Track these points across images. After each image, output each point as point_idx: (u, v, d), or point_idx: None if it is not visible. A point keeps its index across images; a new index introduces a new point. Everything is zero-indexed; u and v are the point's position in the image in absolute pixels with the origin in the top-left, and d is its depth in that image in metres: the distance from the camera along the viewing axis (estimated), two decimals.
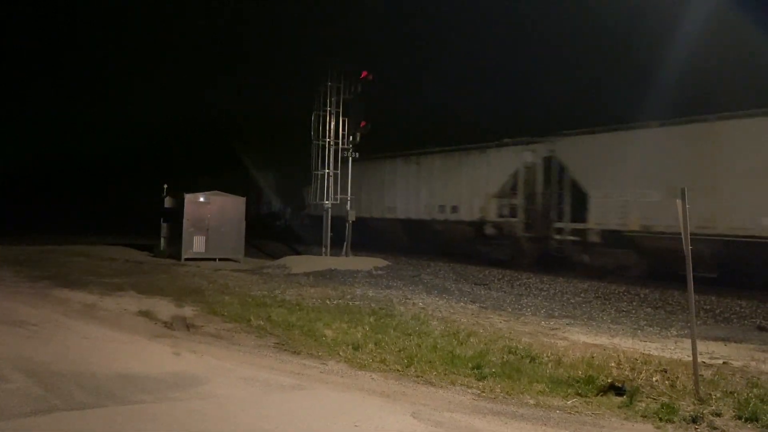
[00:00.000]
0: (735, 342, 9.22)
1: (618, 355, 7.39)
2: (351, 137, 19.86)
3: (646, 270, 16.08)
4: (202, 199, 18.84)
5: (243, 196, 19.74)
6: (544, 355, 7.36)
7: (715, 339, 9.33)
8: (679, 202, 6.30)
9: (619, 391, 6.01)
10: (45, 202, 35.18)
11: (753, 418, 5.32)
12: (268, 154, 30.88)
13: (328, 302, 11.15)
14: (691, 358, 6.29)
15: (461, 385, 6.31)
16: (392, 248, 22.50)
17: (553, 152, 18.37)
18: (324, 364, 7.03)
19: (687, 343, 7.38)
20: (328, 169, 19.66)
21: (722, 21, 19.53)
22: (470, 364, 6.87)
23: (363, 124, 19.67)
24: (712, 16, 19.61)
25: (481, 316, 10.77)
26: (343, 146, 19.85)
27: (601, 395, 5.97)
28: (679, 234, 6.33)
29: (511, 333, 8.95)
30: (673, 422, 5.28)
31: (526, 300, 13.10)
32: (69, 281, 12.84)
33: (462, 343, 7.88)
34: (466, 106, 28.09)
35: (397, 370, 6.78)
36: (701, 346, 7.44)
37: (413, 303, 11.79)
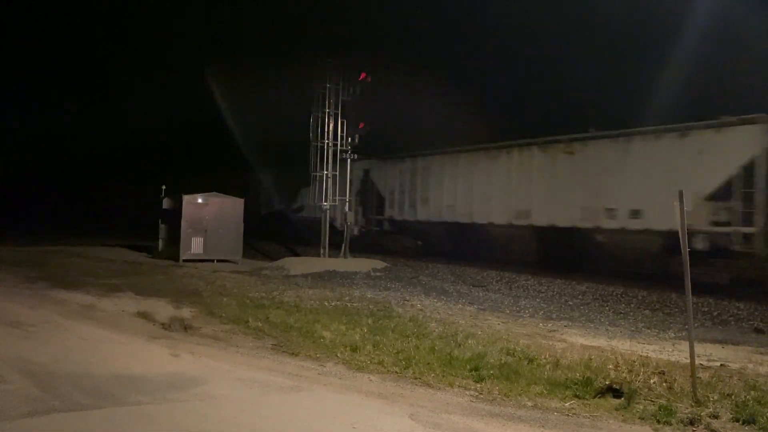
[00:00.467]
0: (732, 344, 9.24)
1: (616, 357, 7.40)
2: (349, 139, 19.89)
3: None
4: (200, 201, 18.84)
5: (241, 197, 19.75)
6: (542, 356, 7.37)
7: (713, 341, 9.35)
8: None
9: (616, 393, 6.02)
10: (43, 203, 35.13)
11: (750, 421, 5.34)
12: (268, 155, 30.87)
13: (326, 304, 11.15)
14: (688, 360, 6.30)
15: (459, 386, 6.31)
16: (522, 263, 18.73)
17: None
18: (322, 365, 7.03)
19: (684, 345, 7.38)
20: (327, 170, 19.68)
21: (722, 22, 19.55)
22: (468, 366, 6.88)
23: (361, 125, 19.70)
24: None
25: (480, 317, 10.78)
26: (341, 147, 19.88)
27: (599, 397, 5.97)
28: None
29: (509, 335, 8.95)
30: (671, 424, 5.29)
31: (524, 302, 13.11)
32: (67, 282, 12.81)
33: (460, 345, 7.88)
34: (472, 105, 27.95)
35: (395, 371, 6.78)
36: (699, 348, 7.45)
37: (411, 305, 11.79)
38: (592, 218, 17.07)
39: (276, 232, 27.90)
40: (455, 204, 21.32)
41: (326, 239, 19.57)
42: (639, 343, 9.07)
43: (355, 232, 24.22)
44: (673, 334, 9.91)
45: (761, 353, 8.51)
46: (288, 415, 5.41)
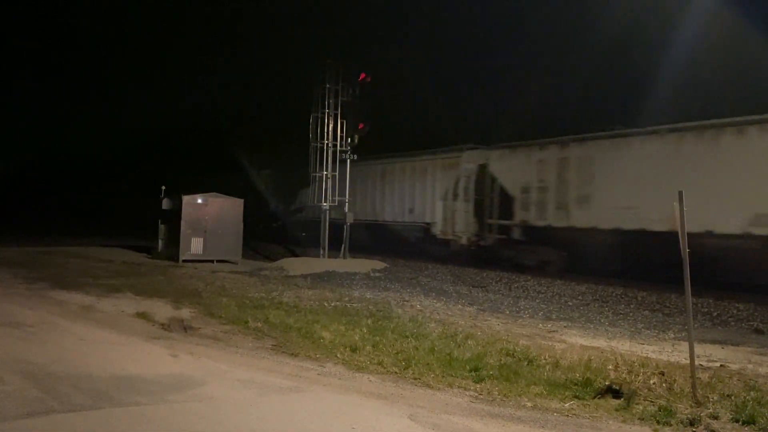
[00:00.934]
0: (732, 345, 9.23)
1: (615, 358, 7.39)
2: (349, 139, 19.90)
3: None
4: (200, 201, 18.82)
5: (241, 197, 19.74)
6: (542, 357, 7.36)
7: (713, 342, 9.34)
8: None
9: (616, 393, 6.02)
10: (42, 203, 35.13)
11: (750, 421, 5.33)
12: (267, 155, 30.89)
13: (325, 304, 11.14)
14: (688, 361, 6.29)
15: (459, 387, 6.30)
16: None
17: None
18: (321, 366, 7.02)
19: (684, 345, 7.37)
20: (326, 170, 19.68)
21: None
22: (468, 367, 6.87)
23: (361, 126, 19.71)
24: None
25: (479, 318, 10.77)
26: (341, 148, 19.88)
27: (599, 398, 5.97)
28: None
29: (508, 335, 8.94)
30: (671, 425, 5.28)
31: (523, 302, 13.10)
32: (66, 283, 12.80)
33: (459, 346, 7.87)
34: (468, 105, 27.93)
35: (395, 372, 6.77)
36: (698, 348, 7.44)
37: (411, 305, 11.78)
38: None
39: (276, 233, 27.89)
40: (639, 206, 15.44)
41: (326, 240, 19.57)
42: (639, 343, 9.07)
43: (463, 241, 20.71)
44: (672, 335, 9.90)
45: (761, 354, 8.51)
46: (287, 415, 5.40)
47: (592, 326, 10.58)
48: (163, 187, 20.16)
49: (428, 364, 7.00)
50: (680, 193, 6.29)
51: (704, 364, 7.44)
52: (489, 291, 14.90)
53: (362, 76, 19.38)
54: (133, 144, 34.93)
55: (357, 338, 8.16)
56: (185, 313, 9.97)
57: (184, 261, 18.10)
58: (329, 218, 19.74)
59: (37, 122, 35.66)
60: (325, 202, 19.68)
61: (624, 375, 6.64)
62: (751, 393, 6.06)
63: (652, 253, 14.48)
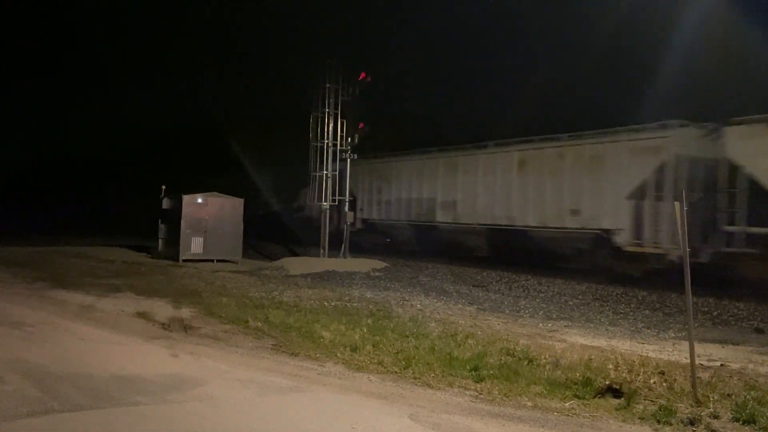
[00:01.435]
0: (732, 344, 9.23)
1: (616, 357, 7.39)
2: (349, 139, 19.91)
3: None
4: (200, 201, 18.83)
5: (241, 197, 19.74)
6: (542, 357, 7.35)
7: (713, 341, 9.34)
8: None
9: (616, 393, 6.01)
10: (42, 203, 35.12)
11: (750, 421, 5.32)
12: (267, 156, 30.86)
13: (326, 304, 11.14)
14: (688, 361, 6.28)
15: (459, 386, 6.30)
16: None
17: None
18: (321, 365, 7.02)
19: (685, 345, 7.37)
20: (326, 170, 19.68)
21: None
22: (468, 366, 6.86)
23: (361, 125, 19.73)
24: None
25: (479, 318, 10.77)
26: (341, 147, 19.89)
27: (599, 397, 5.96)
28: None
29: (508, 335, 8.94)
30: (671, 424, 5.28)
31: (524, 302, 13.10)
32: (66, 282, 12.80)
33: (460, 345, 7.87)
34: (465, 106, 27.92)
35: (395, 371, 6.77)
36: (699, 348, 7.44)
37: (411, 305, 11.78)
38: None
39: (276, 233, 27.87)
40: None
41: (326, 239, 19.57)
42: (639, 343, 9.07)
43: (672, 256, 14.24)
44: (673, 334, 9.90)
45: (761, 353, 8.50)
46: (287, 415, 5.40)
47: (592, 325, 10.58)
48: (163, 187, 20.17)
49: (428, 363, 6.99)
50: (681, 193, 6.29)
51: (704, 363, 7.44)
52: (489, 290, 14.90)
53: (362, 75, 19.40)
54: (133, 144, 34.90)
55: (357, 338, 8.16)
56: (185, 312, 9.97)
57: (184, 260, 18.10)
58: (328, 217, 19.75)
59: (37, 122, 35.67)
60: (325, 201, 19.69)
61: (624, 374, 6.63)
62: (752, 392, 6.05)
63: None
